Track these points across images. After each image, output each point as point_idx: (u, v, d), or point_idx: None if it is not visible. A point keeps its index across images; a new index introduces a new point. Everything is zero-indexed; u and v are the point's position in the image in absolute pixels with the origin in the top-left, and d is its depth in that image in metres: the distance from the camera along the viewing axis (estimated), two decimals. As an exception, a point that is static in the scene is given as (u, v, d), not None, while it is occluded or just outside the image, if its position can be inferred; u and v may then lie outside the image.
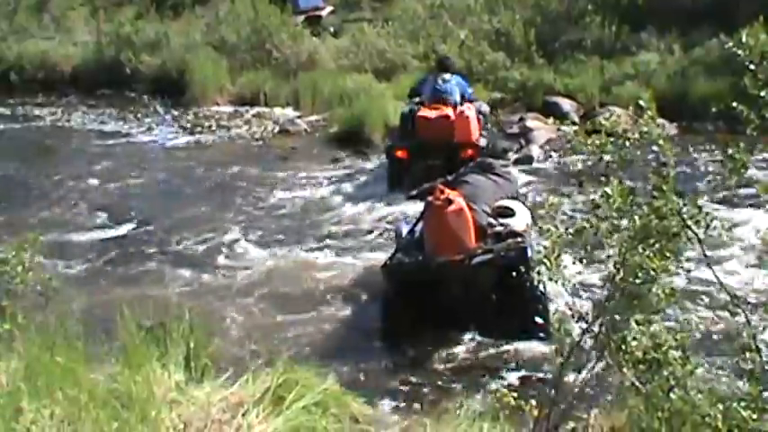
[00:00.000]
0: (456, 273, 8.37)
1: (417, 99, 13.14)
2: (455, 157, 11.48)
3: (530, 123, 15.99)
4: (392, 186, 12.76)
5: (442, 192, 8.34)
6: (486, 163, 9.63)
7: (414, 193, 10.15)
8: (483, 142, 12.32)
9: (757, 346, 4.49)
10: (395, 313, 8.67)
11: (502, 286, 8.29)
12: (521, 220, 8.74)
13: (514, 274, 7.81)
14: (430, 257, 8.43)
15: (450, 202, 8.26)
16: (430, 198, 8.43)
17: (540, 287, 7.70)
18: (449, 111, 12.37)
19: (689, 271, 4.90)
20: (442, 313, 8.49)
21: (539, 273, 4.87)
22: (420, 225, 8.78)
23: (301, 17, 21.96)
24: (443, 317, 8.51)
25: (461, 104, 12.73)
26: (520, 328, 8.32)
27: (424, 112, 12.38)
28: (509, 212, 8.84)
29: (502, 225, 8.66)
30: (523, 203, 9.45)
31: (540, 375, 7.83)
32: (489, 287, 8.42)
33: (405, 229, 9.16)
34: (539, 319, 8.22)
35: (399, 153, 12.51)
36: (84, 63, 23.14)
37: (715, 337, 6.33)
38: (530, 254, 8.09)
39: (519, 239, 8.41)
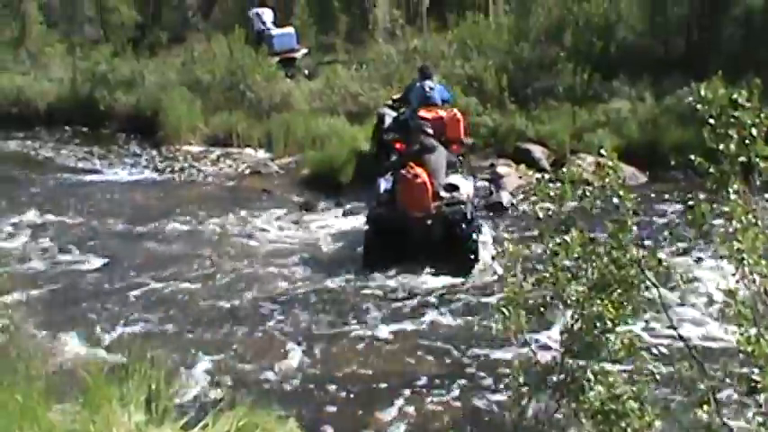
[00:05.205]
0: (419, 224, 11.83)
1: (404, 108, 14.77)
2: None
3: (500, 169, 16.03)
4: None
5: (413, 168, 11.78)
6: (433, 143, 12.60)
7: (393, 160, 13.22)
8: (468, 141, 14.68)
9: (715, 399, 4.50)
10: (374, 250, 12.00)
11: (448, 236, 11.85)
12: (464, 190, 12.24)
13: (457, 228, 11.80)
14: (402, 212, 11.84)
15: (417, 176, 11.73)
16: (403, 171, 11.87)
17: (474, 238, 11.94)
18: (442, 112, 13.87)
19: (647, 322, 4.93)
20: (407, 252, 11.98)
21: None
22: (392, 185, 12.13)
23: (276, 59, 21.99)
24: (408, 255, 11.96)
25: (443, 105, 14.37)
26: (457, 264, 11.78)
27: (423, 113, 13.63)
28: (455, 187, 12.22)
29: (450, 194, 12.10)
30: (465, 177, 12.89)
31: (500, 424, 7.84)
32: (440, 236, 11.90)
33: (383, 185, 12.37)
34: (471, 257, 11.85)
35: (398, 145, 13.38)
36: (59, 99, 23.09)
37: (672, 389, 6.33)
38: (468, 215, 11.86)
39: (461, 205, 11.94)
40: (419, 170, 11.84)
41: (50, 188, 17.24)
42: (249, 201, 15.75)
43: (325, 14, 25.91)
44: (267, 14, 23.42)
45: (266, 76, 20.76)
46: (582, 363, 4.77)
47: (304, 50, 23.35)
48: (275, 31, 22.90)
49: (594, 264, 4.73)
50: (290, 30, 23.18)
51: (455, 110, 14.22)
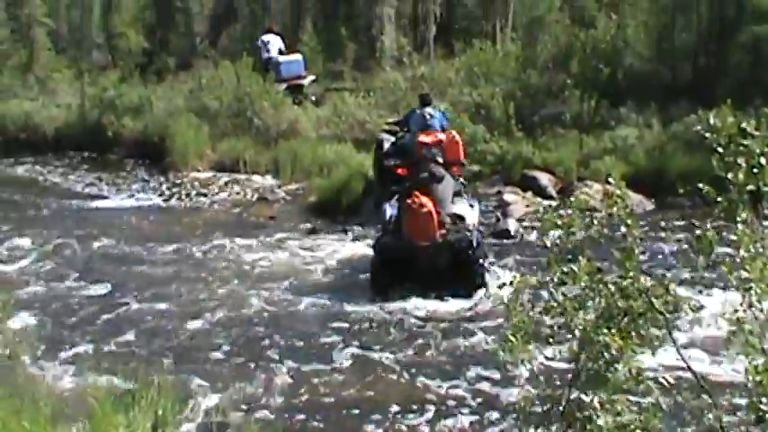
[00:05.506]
0: (424, 253, 11.93)
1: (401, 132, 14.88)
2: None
3: (507, 197, 16.04)
4: (382, 196, 13.77)
5: (418, 197, 11.89)
6: (442, 172, 12.74)
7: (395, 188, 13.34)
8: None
9: (722, 429, 4.48)
10: (380, 279, 12.12)
11: (454, 263, 11.96)
12: (469, 220, 12.45)
13: (463, 255, 11.91)
14: (408, 241, 11.92)
15: (422, 205, 11.86)
16: (409, 201, 11.95)
17: (481, 264, 12.03)
18: (441, 135, 13.93)
19: (654, 351, 4.90)
20: (414, 280, 12.05)
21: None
22: (399, 212, 12.22)
23: (283, 85, 22.07)
24: (414, 283, 12.03)
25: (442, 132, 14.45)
26: (464, 290, 11.86)
27: (422, 138, 13.72)
28: (462, 218, 12.40)
29: (456, 222, 12.28)
30: (471, 204, 13.06)
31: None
32: (446, 264, 11.97)
33: (388, 212, 12.58)
34: (478, 284, 11.95)
35: (401, 171, 13.60)
36: (66, 125, 23.27)
37: (681, 419, 6.28)
38: (474, 243, 12.00)
39: (467, 233, 12.09)
40: (425, 199, 11.94)
41: (58, 213, 17.32)
42: (256, 227, 15.78)
43: (333, 42, 26.07)
44: (275, 41, 23.50)
45: (273, 102, 20.88)
46: (589, 392, 4.75)
47: (311, 77, 23.45)
48: (283, 58, 23.01)
49: (602, 293, 4.71)
50: (297, 57, 23.31)
51: (453, 132, 14.38)
